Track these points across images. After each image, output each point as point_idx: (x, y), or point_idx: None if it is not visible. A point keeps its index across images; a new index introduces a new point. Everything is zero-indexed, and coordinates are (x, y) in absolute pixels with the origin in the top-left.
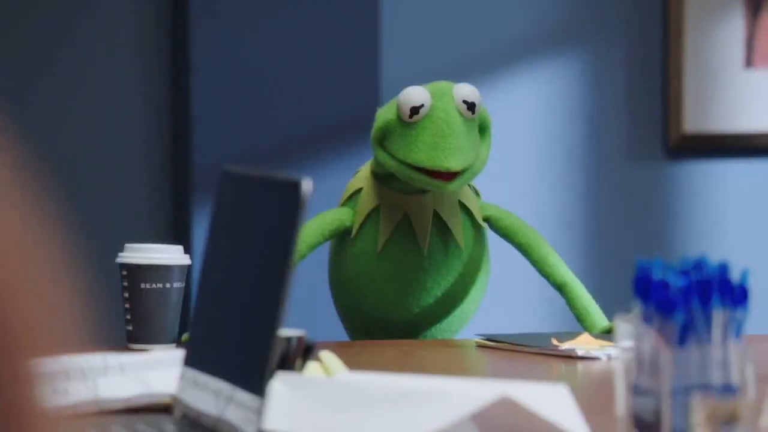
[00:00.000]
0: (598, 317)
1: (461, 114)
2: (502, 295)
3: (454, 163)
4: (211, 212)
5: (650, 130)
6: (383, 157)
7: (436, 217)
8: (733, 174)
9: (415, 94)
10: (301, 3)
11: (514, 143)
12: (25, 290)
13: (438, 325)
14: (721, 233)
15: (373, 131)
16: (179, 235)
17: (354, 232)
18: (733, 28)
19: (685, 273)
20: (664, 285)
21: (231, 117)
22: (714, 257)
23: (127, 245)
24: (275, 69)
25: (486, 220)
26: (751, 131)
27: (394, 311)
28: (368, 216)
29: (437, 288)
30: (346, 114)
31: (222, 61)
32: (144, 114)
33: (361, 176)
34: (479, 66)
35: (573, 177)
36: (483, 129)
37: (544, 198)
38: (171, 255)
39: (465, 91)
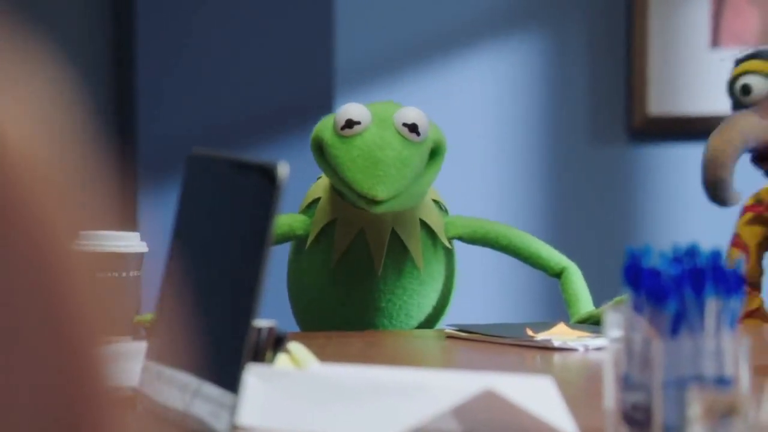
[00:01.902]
0: (585, 306)
1: (404, 137)
2: (462, 286)
3: (380, 192)
4: (178, 197)
5: (614, 112)
6: (321, 164)
7: (394, 234)
8: (698, 157)
9: (354, 110)
10: None
11: (475, 126)
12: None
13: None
14: (685, 216)
15: (312, 140)
16: (126, 221)
17: (308, 243)
18: (699, 7)
19: (677, 261)
20: (655, 273)
21: (179, 100)
22: (678, 241)
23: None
24: (226, 50)
25: (459, 238)
26: (717, 113)
27: (348, 327)
28: (323, 229)
29: (392, 307)
30: (298, 96)
31: (169, 43)
32: (88, 97)
33: (321, 185)
34: (437, 47)
35: (535, 160)
36: (435, 152)
37: (505, 182)
38: (127, 242)
39: (406, 113)
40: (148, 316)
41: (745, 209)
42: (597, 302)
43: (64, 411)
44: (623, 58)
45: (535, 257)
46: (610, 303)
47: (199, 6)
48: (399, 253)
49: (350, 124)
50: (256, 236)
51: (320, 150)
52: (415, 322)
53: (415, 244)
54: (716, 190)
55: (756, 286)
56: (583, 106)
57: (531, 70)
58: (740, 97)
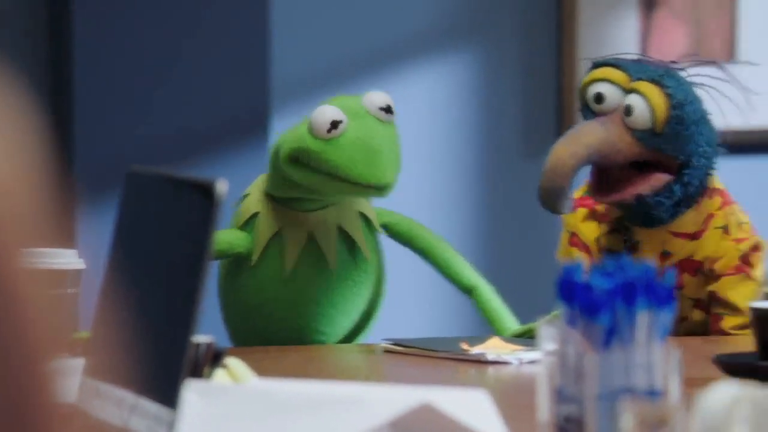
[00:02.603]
0: (509, 320)
1: (382, 120)
2: (396, 299)
3: (388, 177)
4: (116, 214)
5: (545, 126)
6: (301, 175)
7: (340, 231)
8: None
9: (331, 111)
10: None
11: (408, 140)
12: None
13: (341, 339)
14: None
15: (284, 151)
16: (63, 238)
17: (254, 260)
18: (628, 25)
19: (609, 275)
20: (588, 288)
21: (115, 115)
22: None
23: None
24: (162, 67)
25: (383, 226)
26: None
27: (302, 334)
28: (269, 242)
29: (346, 303)
30: (234, 113)
31: (106, 60)
32: (25, 109)
33: (254, 199)
34: (371, 62)
35: (468, 172)
36: None
37: (438, 194)
38: (65, 259)
39: (375, 98)
40: (85, 333)
41: (577, 203)
42: (526, 315)
43: (11, 426)
44: (554, 73)
45: (448, 267)
46: (547, 317)
47: (135, 23)
48: (348, 248)
49: (335, 125)
50: (195, 253)
51: (298, 161)
52: (358, 315)
53: (361, 236)
54: (551, 197)
55: None
56: (514, 120)
57: (464, 84)
58: (592, 103)
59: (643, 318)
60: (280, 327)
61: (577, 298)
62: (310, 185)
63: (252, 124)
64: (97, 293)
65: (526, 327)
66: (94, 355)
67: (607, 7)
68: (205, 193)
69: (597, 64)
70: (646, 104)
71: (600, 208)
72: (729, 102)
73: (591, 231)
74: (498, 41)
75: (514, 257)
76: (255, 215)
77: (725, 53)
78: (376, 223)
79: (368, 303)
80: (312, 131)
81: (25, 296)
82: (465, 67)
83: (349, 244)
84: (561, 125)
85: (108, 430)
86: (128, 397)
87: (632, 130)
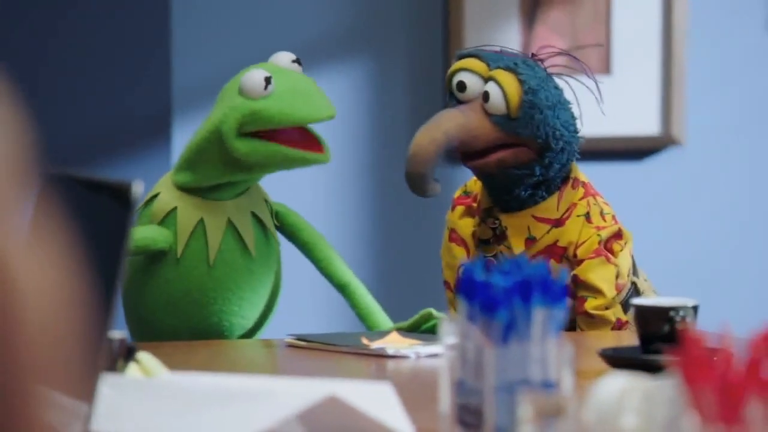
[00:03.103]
0: (381, 317)
1: (300, 72)
2: (293, 295)
3: (332, 109)
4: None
5: None
6: (251, 145)
7: (254, 217)
8: None
9: (256, 73)
10: (91, 1)
11: None
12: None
13: (258, 325)
14: None
15: (229, 128)
16: None
17: (180, 252)
18: (510, 38)
19: (507, 273)
20: (487, 285)
21: (20, 114)
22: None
23: None
24: (64, 68)
25: (276, 214)
26: None
27: (226, 319)
28: (192, 233)
29: (262, 288)
30: (136, 116)
31: (9, 59)
32: None
33: (168, 196)
34: None
35: (360, 179)
36: None
37: (330, 201)
38: None
39: (284, 56)
40: None
41: (455, 202)
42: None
43: None
44: (441, 78)
45: (326, 262)
46: (416, 317)
47: (36, 25)
48: (262, 233)
49: (269, 80)
50: (111, 252)
51: (246, 133)
52: (276, 297)
53: (269, 221)
54: (415, 182)
55: None
56: (404, 121)
57: (357, 88)
58: (456, 92)
59: (538, 314)
60: (204, 315)
61: (477, 296)
62: (259, 159)
63: (154, 127)
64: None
65: (415, 320)
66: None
67: (491, 22)
68: (121, 195)
69: (460, 56)
70: (501, 91)
71: (475, 204)
72: (600, 111)
73: (467, 226)
74: (389, 48)
75: (403, 255)
76: (173, 210)
77: (601, 66)
78: (272, 210)
79: (277, 287)
80: (250, 95)
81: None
82: (357, 73)
83: (263, 229)
84: None
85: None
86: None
87: (490, 116)
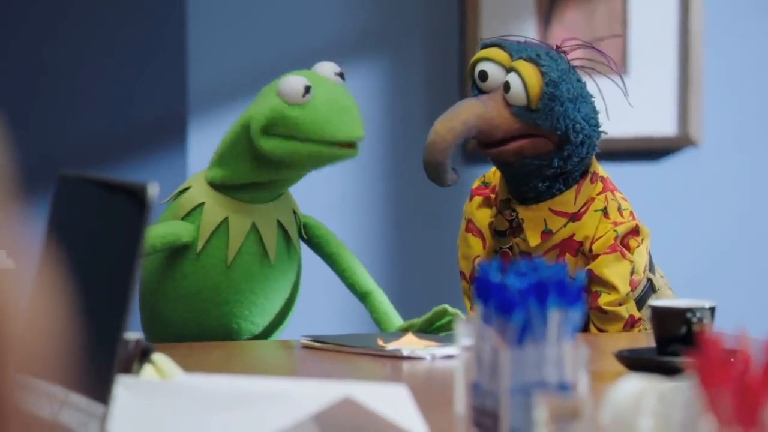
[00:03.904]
0: (396, 322)
1: (341, 85)
2: (311, 298)
3: (361, 132)
4: (47, 216)
5: None
6: (274, 144)
7: (279, 225)
8: None
9: (297, 80)
10: (106, 2)
11: None
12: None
13: (268, 332)
14: None
15: (257, 124)
16: None
17: (200, 247)
18: (523, 37)
19: (522, 275)
20: (503, 287)
21: (35, 120)
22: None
23: None
24: (81, 70)
25: (303, 226)
26: None
27: (235, 322)
28: (215, 230)
29: (278, 295)
30: (152, 118)
31: (26, 62)
32: None
33: (198, 191)
34: (287, 68)
35: (377, 180)
36: None
37: (348, 199)
38: None
39: (329, 67)
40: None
41: (473, 193)
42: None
43: None
44: (457, 79)
45: (350, 272)
46: (429, 314)
47: (52, 28)
48: (285, 242)
49: (308, 89)
50: (126, 254)
51: (271, 133)
52: (290, 309)
53: (294, 230)
54: (433, 171)
55: None
56: (419, 124)
57: (373, 90)
58: (478, 81)
59: (554, 316)
60: (215, 314)
61: (493, 297)
62: (284, 155)
63: (170, 130)
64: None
65: (410, 322)
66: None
67: (507, 24)
68: (136, 196)
69: (484, 45)
70: (522, 81)
71: (493, 195)
72: (619, 111)
73: (485, 217)
74: (405, 50)
75: (420, 268)
76: (200, 205)
77: (618, 66)
78: (300, 222)
79: (295, 297)
80: (286, 99)
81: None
82: (374, 73)
83: (286, 238)
84: None
85: (39, 423)
86: (58, 392)
87: (511, 106)
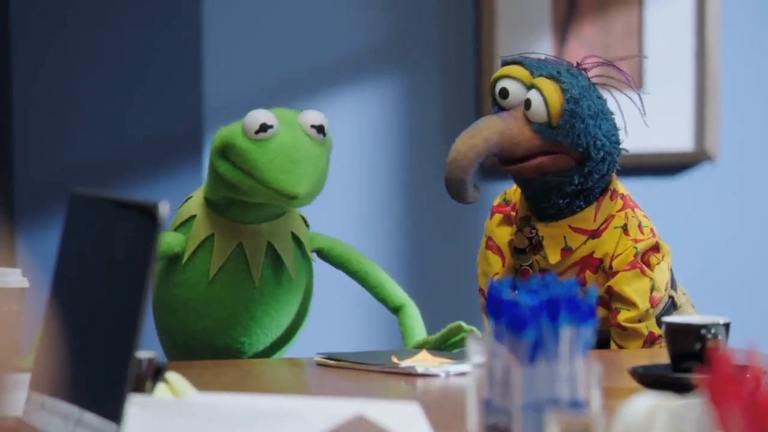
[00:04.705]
0: (419, 337)
1: (312, 138)
2: (325, 315)
3: (301, 189)
4: (60, 234)
5: None
6: (225, 167)
7: (270, 248)
8: None
9: (263, 115)
10: (122, 19)
11: (337, 160)
12: None
13: (259, 352)
14: None
15: (214, 143)
16: (5, 257)
17: (185, 259)
18: (541, 55)
19: (534, 292)
20: (515, 304)
21: (53, 134)
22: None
23: None
24: (97, 85)
25: (318, 251)
26: None
27: (220, 339)
28: (201, 244)
29: (266, 318)
30: (168, 130)
31: (44, 78)
32: None
33: (195, 203)
34: (302, 84)
35: (393, 195)
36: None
37: (364, 215)
38: (9, 278)
39: (311, 116)
40: (29, 357)
41: (494, 210)
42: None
43: None
44: (473, 96)
45: (380, 288)
46: (444, 331)
47: (71, 43)
48: (275, 266)
49: (264, 128)
50: (137, 272)
51: (224, 156)
52: (281, 331)
53: (289, 255)
54: (455, 188)
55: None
56: (436, 141)
57: (389, 105)
58: (498, 99)
59: (566, 333)
60: (203, 327)
61: (505, 315)
62: (231, 180)
63: (186, 146)
64: (42, 311)
65: (424, 339)
66: (40, 370)
67: (524, 38)
68: (147, 214)
69: (505, 62)
70: (543, 98)
71: (513, 213)
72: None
73: (504, 235)
74: (421, 66)
75: (438, 268)
76: (192, 217)
77: (635, 82)
78: (308, 246)
79: (291, 321)
80: (245, 131)
81: None
82: (390, 89)
83: (276, 262)
84: None
85: None
86: (74, 411)
87: (532, 123)
